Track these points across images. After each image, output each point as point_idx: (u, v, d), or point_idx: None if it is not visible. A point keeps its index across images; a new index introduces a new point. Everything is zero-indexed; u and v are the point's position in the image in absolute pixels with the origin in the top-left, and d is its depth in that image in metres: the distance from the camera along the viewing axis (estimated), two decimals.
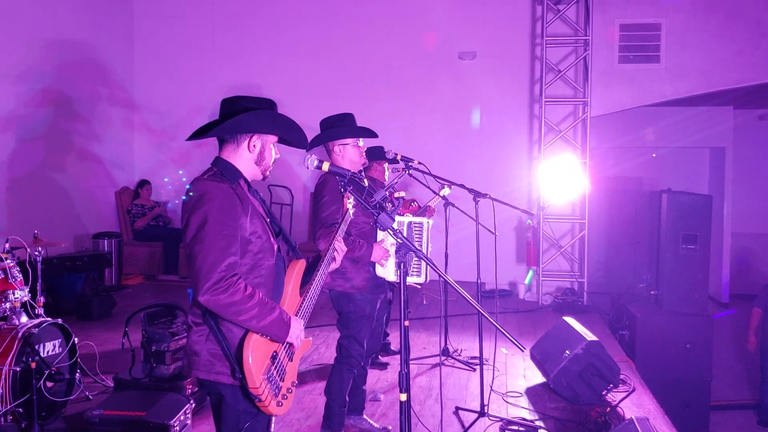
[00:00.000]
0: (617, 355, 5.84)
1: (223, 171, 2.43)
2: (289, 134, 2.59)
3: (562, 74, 8.51)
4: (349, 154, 3.87)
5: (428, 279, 4.16)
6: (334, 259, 2.77)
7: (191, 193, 2.35)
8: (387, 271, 3.91)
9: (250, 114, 2.44)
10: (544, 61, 8.45)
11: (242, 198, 2.40)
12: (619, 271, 8.88)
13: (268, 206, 2.67)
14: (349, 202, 2.96)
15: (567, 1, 8.47)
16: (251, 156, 2.49)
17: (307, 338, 2.62)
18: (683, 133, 9.62)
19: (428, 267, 4.00)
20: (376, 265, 3.92)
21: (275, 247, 2.51)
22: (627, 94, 8.62)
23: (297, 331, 2.46)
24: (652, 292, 7.09)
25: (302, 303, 2.60)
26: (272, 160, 2.57)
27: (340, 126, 3.89)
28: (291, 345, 2.49)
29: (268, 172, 2.57)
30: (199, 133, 2.48)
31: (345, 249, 2.84)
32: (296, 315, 2.54)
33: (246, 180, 2.52)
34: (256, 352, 2.31)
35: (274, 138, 2.55)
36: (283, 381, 2.46)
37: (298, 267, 2.64)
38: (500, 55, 8.97)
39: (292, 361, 2.55)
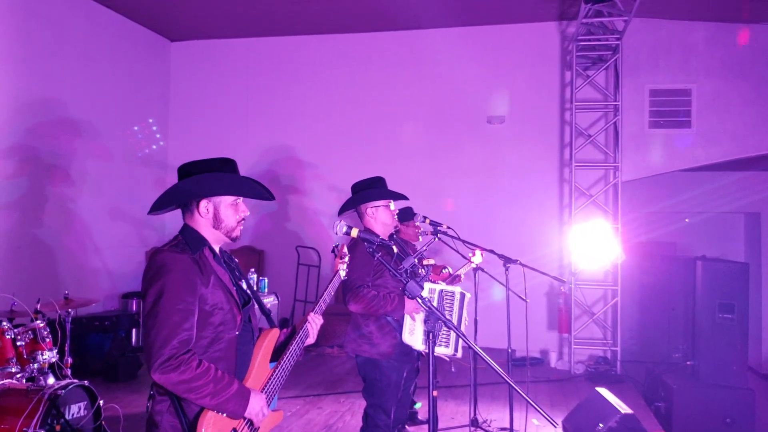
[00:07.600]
0: (653, 429, 5.64)
1: (187, 240, 2.39)
2: (240, 190, 2.49)
3: (592, 139, 8.50)
4: (381, 216, 3.89)
5: (458, 352, 3.98)
6: (308, 334, 2.68)
7: (151, 265, 2.29)
8: (414, 339, 3.83)
9: (190, 180, 2.42)
10: (573, 126, 8.47)
11: (204, 268, 2.34)
12: (653, 339, 8.62)
13: (240, 273, 2.58)
14: (341, 265, 2.97)
15: (596, 67, 8.54)
16: (206, 221, 2.44)
17: (278, 411, 2.53)
18: (717, 199, 9.47)
19: (458, 338, 3.90)
20: (404, 332, 3.85)
21: (238, 318, 2.41)
22: (658, 159, 8.55)
23: (257, 407, 2.36)
24: (688, 363, 6.86)
25: (272, 375, 2.49)
26: (236, 220, 2.48)
27: (371, 189, 3.91)
28: (251, 421, 2.39)
29: (235, 233, 2.48)
30: (155, 208, 2.45)
31: (320, 323, 2.73)
32: (263, 388, 2.44)
33: (211, 248, 2.45)
34: (210, 429, 2.25)
35: (229, 198, 2.47)
36: None
37: (269, 337, 2.56)
38: (529, 120, 9.00)
39: None
